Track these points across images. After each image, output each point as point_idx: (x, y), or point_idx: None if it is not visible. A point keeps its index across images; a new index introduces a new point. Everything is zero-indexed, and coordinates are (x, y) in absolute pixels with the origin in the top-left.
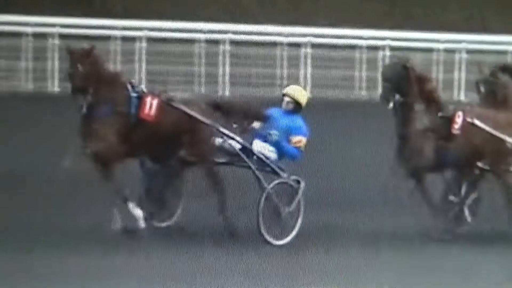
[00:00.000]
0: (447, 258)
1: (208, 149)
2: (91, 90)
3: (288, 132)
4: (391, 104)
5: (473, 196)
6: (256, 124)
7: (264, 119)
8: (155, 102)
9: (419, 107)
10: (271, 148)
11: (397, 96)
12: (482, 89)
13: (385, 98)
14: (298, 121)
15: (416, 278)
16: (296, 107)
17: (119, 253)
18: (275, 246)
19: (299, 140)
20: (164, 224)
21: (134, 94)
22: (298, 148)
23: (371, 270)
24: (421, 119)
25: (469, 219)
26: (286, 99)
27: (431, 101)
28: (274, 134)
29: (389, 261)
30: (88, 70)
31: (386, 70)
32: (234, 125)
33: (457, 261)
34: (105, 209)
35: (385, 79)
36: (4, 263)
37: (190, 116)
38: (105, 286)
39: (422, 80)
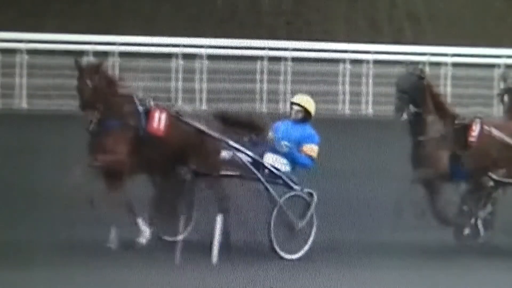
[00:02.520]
0: (463, 273)
1: (216, 162)
2: (100, 105)
3: (300, 142)
4: (405, 115)
5: (488, 208)
6: (268, 136)
7: (268, 131)
8: (163, 116)
9: (433, 117)
10: (284, 161)
11: (411, 107)
12: (506, 98)
13: (401, 109)
14: (308, 129)
15: None
16: (306, 116)
17: (127, 267)
18: (287, 260)
19: (311, 148)
20: (175, 239)
21: (141, 108)
22: (310, 156)
23: (385, 285)
24: (437, 129)
25: (482, 232)
26: (295, 108)
27: (445, 111)
28: (285, 145)
29: (404, 276)
30: (97, 86)
31: (401, 81)
32: (244, 138)
33: (474, 275)
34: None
35: (400, 90)
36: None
37: (199, 130)
38: None
39: (435, 90)
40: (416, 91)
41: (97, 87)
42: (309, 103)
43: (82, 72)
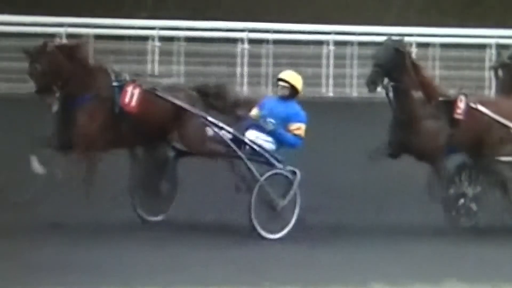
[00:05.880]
0: (450, 251)
1: (200, 137)
2: (59, 85)
3: (286, 120)
4: (378, 89)
5: (477, 186)
6: (253, 113)
7: (254, 106)
8: (136, 91)
9: (415, 92)
10: (268, 139)
11: (386, 81)
12: (500, 73)
13: (373, 82)
14: (295, 107)
15: (419, 271)
16: (292, 93)
17: (111, 246)
18: (269, 240)
19: (298, 127)
20: (156, 218)
21: (115, 83)
22: (297, 135)
23: (369, 265)
24: (419, 105)
25: (474, 209)
26: (281, 84)
27: (428, 86)
28: (271, 122)
29: (388, 255)
30: (47, 68)
31: (378, 53)
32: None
33: (461, 254)
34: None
35: (376, 62)
36: None
37: (176, 105)
38: (96, 279)
39: (416, 64)
40: (393, 64)
41: (48, 69)
42: (296, 80)
43: (30, 57)
